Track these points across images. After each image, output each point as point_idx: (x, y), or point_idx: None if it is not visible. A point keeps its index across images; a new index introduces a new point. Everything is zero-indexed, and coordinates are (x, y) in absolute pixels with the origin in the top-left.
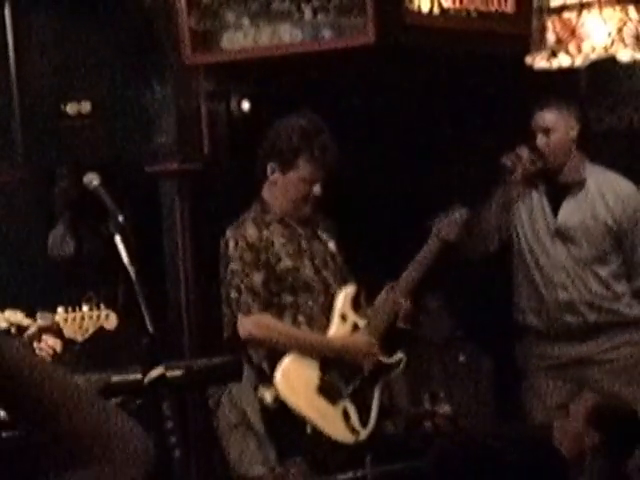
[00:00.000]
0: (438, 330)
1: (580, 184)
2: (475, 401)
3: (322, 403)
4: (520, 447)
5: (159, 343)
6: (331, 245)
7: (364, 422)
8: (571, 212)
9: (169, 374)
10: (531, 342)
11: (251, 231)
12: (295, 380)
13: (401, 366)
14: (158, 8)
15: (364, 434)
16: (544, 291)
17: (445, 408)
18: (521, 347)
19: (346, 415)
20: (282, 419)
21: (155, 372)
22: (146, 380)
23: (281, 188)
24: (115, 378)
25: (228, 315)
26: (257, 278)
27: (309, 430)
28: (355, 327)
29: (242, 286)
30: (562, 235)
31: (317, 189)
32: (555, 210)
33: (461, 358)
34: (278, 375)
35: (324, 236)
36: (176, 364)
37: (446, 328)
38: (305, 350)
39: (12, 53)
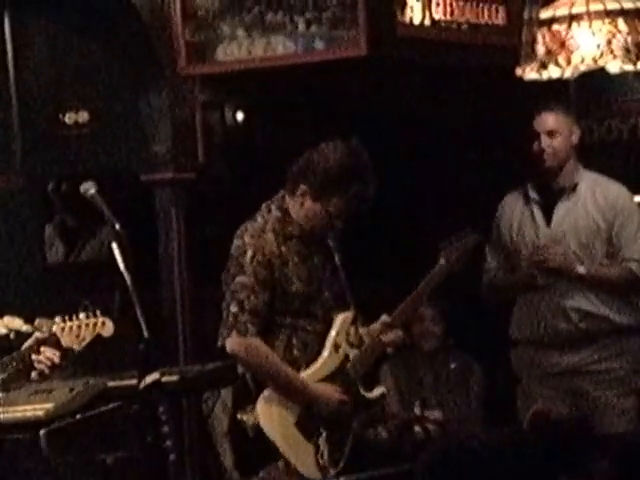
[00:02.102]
0: (431, 338)
1: (572, 188)
2: (465, 407)
3: (297, 438)
4: (506, 453)
5: (154, 349)
6: (337, 258)
7: (335, 461)
8: (563, 216)
9: (164, 379)
10: (524, 350)
11: (270, 244)
12: (275, 410)
13: (380, 402)
14: (155, 20)
15: (332, 472)
16: (538, 298)
17: (435, 414)
18: (515, 354)
19: (318, 452)
20: (257, 445)
21: (151, 378)
22: (142, 385)
23: (305, 211)
24: (111, 383)
25: (224, 322)
26: (264, 298)
27: (280, 465)
28: (346, 358)
29: (246, 304)
30: (555, 241)
31: (339, 224)
32: (548, 217)
33: (452, 365)
34: (260, 402)
35: (332, 247)
36: (171, 370)
37: (438, 336)
38: (280, 387)
39: (11, 63)
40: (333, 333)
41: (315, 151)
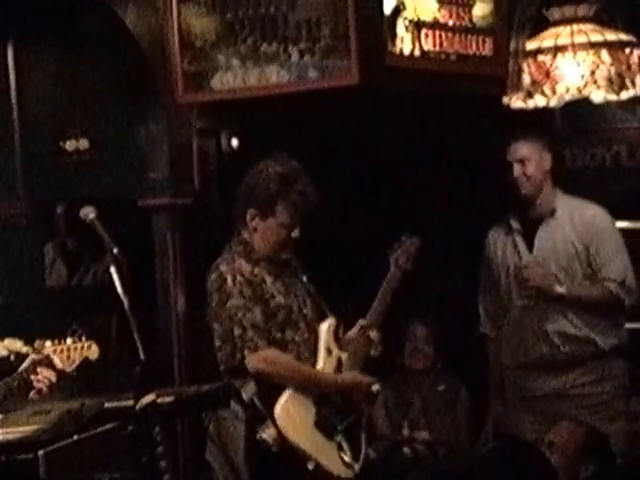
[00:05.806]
0: (421, 358)
1: (551, 214)
2: (452, 429)
3: (320, 438)
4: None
5: (151, 370)
6: (305, 280)
7: (356, 456)
8: (543, 242)
9: (160, 401)
10: (509, 373)
11: (244, 267)
12: (295, 416)
13: (377, 398)
14: (153, 50)
15: (357, 468)
16: (520, 322)
17: (423, 434)
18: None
19: (341, 450)
20: (282, 460)
21: (147, 399)
22: (138, 406)
23: (261, 233)
24: (108, 404)
25: (225, 349)
26: (257, 312)
27: (311, 467)
28: (339, 361)
29: (245, 322)
30: (537, 263)
31: (296, 233)
32: (529, 244)
33: (440, 387)
34: (278, 411)
35: (299, 271)
36: (167, 391)
37: (429, 356)
38: (310, 385)
39: (14, 92)
40: (323, 339)
41: (248, 177)
